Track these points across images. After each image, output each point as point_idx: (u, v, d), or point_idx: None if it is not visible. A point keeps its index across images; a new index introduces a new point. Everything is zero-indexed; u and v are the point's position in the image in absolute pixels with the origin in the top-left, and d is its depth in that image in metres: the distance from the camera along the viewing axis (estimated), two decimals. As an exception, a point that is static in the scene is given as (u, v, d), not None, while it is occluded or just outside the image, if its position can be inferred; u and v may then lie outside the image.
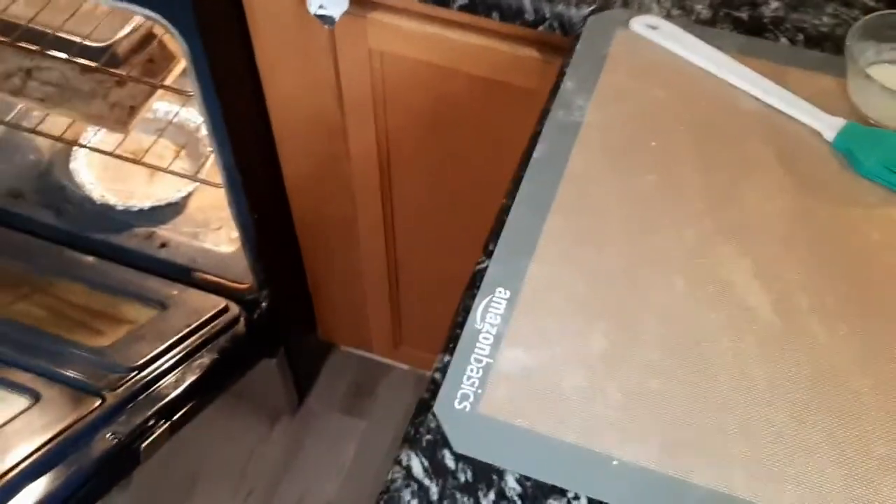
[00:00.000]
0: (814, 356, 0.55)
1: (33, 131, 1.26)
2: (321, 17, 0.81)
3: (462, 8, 0.81)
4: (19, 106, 1.26)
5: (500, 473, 0.50)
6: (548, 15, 0.78)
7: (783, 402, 0.53)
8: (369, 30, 0.89)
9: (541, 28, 0.79)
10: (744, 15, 0.75)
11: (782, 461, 0.50)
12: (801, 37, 0.73)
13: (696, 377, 0.54)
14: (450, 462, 0.51)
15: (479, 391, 0.53)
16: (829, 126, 0.66)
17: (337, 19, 0.82)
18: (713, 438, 0.51)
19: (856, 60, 0.66)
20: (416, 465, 0.51)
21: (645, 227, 0.60)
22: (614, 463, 0.50)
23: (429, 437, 0.52)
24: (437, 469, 0.51)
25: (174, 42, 0.94)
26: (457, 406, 0.52)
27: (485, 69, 0.88)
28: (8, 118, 1.28)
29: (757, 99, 0.68)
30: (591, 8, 0.75)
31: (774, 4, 0.76)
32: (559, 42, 0.81)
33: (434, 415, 0.52)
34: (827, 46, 0.72)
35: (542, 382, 0.53)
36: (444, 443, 0.51)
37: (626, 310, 0.56)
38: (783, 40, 0.73)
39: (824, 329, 0.56)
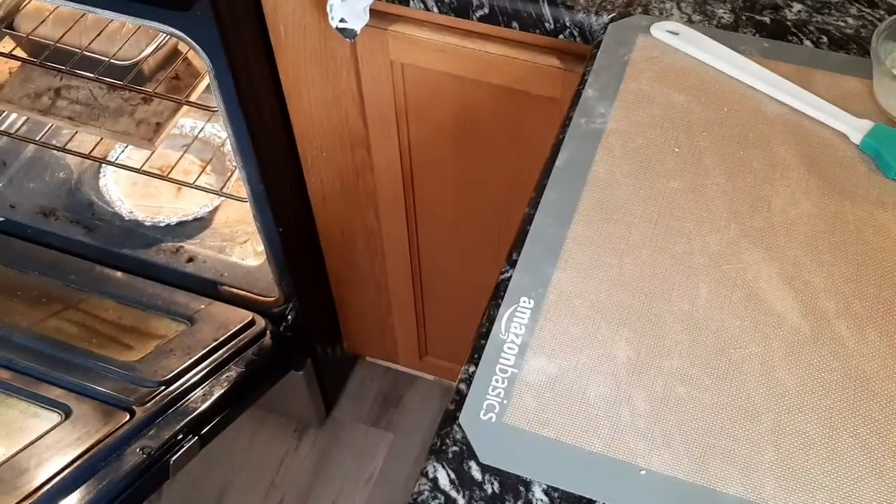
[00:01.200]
0: (844, 362, 0.54)
1: (63, 149, 1.28)
2: (342, 30, 0.82)
3: (482, 18, 0.81)
4: (49, 125, 1.28)
5: (528, 484, 0.50)
6: (568, 23, 0.78)
7: (813, 409, 0.52)
8: (390, 42, 0.89)
9: (561, 37, 0.79)
10: (766, 18, 0.74)
11: (814, 469, 0.50)
12: (825, 39, 0.72)
13: (723, 384, 0.53)
14: (476, 473, 0.51)
15: (505, 401, 0.53)
16: (855, 128, 0.65)
17: (358, 32, 0.82)
18: (742, 446, 0.51)
19: (882, 61, 0.65)
20: (443, 477, 0.51)
21: (669, 234, 0.60)
22: (642, 472, 0.50)
23: (455, 448, 0.52)
24: (463, 481, 0.51)
25: (198, 59, 0.95)
26: (482, 417, 0.52)
27: (506, 79, 0.88)
28: (38, 137, 1.30)
29: (781, 102, 0.67)
30: (612, 15, 0.75)
31: (797, 7, 0.75)
32: (580, 50, 0.81)
33: (460, 426, 0.52)
34: (852, 48, 0.71)
35: (568, 392, 0.53)
36: (471, 454, 0.51)
37: (651, 317, 0.56)
38: (807, 43, 0.72)
39: (853, 334, 0.55)
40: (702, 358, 0.54)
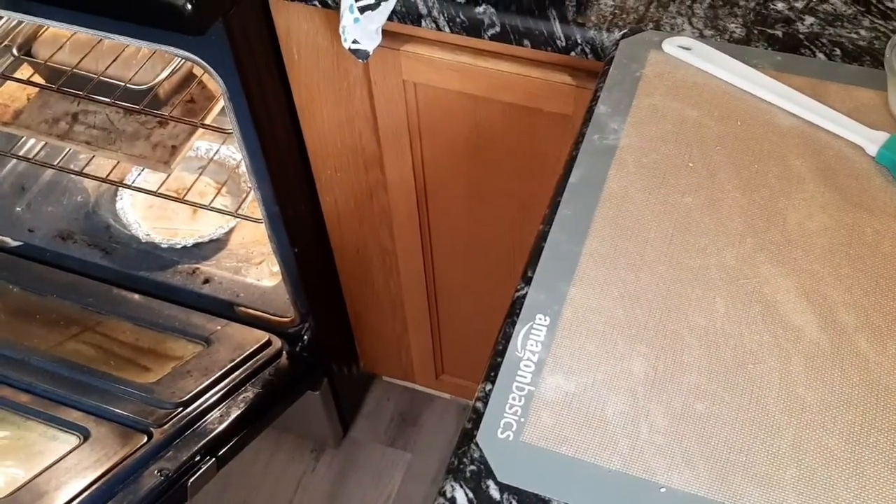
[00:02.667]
0: (865, 375, 0.53)
1: (80, 174, 1.29)
2: (355, 51, 0.83)
3: (494, 37, 0.81)
4: (67, 149, 1.29)
5: (546, 503, 0.50)
6: (579, 40, 0.78)
7: (835, 424, 0.51)
8: (403, 62, 0.90)
9: (573, 54, 0.79)
10: (778, 32, 0.74)
11: (837, 485, 0.49)
12: (838, 51, 0.72)
13: (742, 400, 0.53)
14: (494, 492, 0.50)
15: (522, 419, 0.52)
16: (871, 140, 0.65)
17: (371, 53, 0.83)
18: (763, 462, 0.50)
19: (896, 73, 0.65)
20: (461, 497, 0.50)
21: (685, 249, 0.60)
22: (662, 490, 0.49)
23: (472, 467, 0.51)
24: (481, 500, 0.50)
25: (213, 82, 0.96)
26: (500, 435, 0.52)
27: (518, 96, 0.88)
28: (56, 162, 1.32)
29: (795, 115, 0.67)
30: (623, 32, 0.75)
31: (809, 20, 0.75)
32: (592, 67, 0.81)
33: (477, 444, 0.52)
34: (865, 60, 0.71)
35: (585, 409, 0.53)
36: (489, 473, 0.51)
37: (668, 333, 0.56)
38: (820, 56, 0.72)
39: (873, 347, 0.54)
40: (720, 373, 0.54)
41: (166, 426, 1.07)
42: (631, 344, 0.55)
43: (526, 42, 0.80)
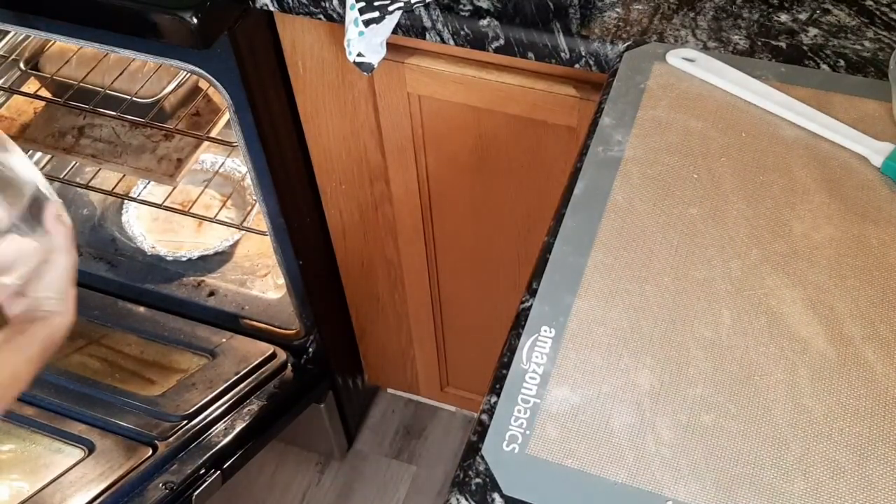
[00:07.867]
0: (872, 387, 0.53)
1: (86, 187, 1.30)
2: (360, 64, 0.83)
3: (498, 50, 0.82)
4: (73, 163, 1.30)
5: (552, 516, 0.50)
6: (583, 53, 0.78)
7: (842, 436, 0.51)
8: (407, 75, 0.90)
9: (577, 66, 0.79)
10: (782, 44, 0.74)
11: (844, 499, 0.49)
12: (842, 63, 0.72)
13: (749, 412, 0.52)
14: (500, 505, 0.50)
15: (528, 432, 0.52)
16: (876, 151, 0.64)
17: (375, 66, 0.83)
18: (770, 475, 0.50)
19: (900, 84, 0.65)
20: (466, 509, 0.50)
21: (690, 261, 0.60)
22: (668, 503, 0.49)
23: (478, 480, 0.51)
24: (487, 512, 0.50)
25: (218, 95, 0.96)
26: (505, 448, 0.52)
27: (522, 108, 0.88)
28: (62, 175, 1.32)
29: (799, 127, 0.67)
30: (627, 44, 0.76)
31: (813, 31, 0.75)
32: (596, 79, 0.81)
33: (482, 457, 0.52)
34: (869, 71, 0.71)
35: (591, 421, 0.52)
36: (494, 486, 0.51)
37: (674, 345, 0.55)
38: (824, 67, 0.72)
39: (881, 358, 0.54)
40: (726, 385, 0.54)
41: (171, 439, 1.07)
42: (636, 356, 0.55)
43: (530, 54, 0.81)
